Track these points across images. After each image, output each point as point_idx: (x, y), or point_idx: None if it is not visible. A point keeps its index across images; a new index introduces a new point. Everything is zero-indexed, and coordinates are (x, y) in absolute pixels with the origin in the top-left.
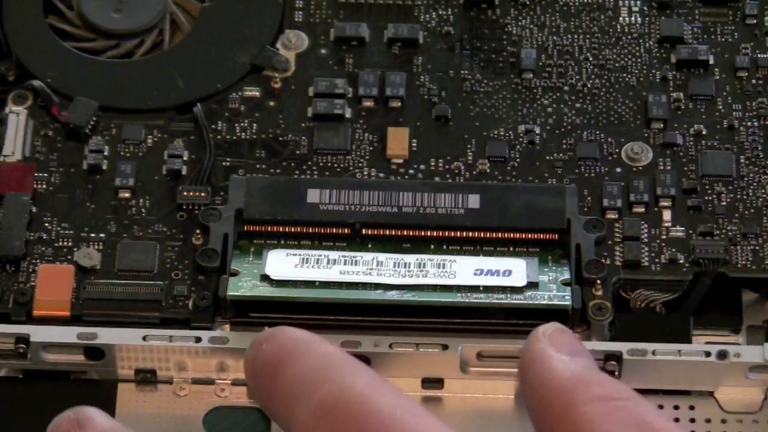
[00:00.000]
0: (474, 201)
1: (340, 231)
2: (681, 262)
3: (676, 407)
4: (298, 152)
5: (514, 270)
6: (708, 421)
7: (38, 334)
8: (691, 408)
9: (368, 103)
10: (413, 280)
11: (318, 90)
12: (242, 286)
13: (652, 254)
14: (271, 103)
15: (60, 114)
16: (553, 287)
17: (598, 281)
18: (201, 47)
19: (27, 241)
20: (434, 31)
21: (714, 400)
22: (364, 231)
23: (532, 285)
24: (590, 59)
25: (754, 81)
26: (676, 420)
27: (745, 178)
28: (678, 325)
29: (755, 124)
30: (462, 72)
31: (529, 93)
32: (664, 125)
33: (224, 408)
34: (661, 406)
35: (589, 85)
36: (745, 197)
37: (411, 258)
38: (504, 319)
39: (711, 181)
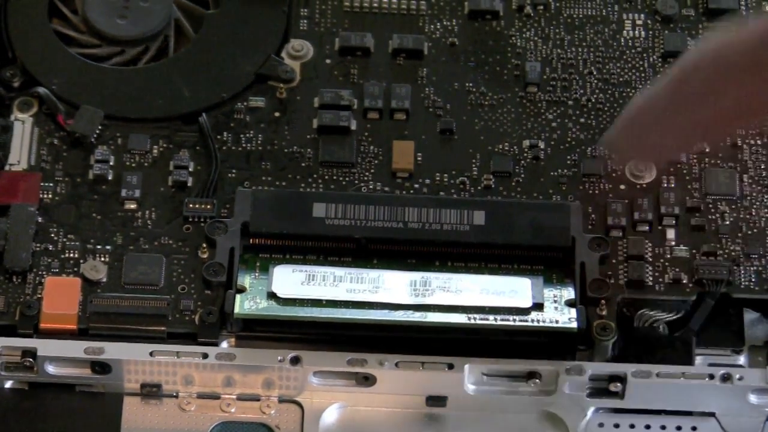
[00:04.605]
0: (479, 217)
1: (345, 246)
2: (685, 282)
3: (679, 428)
4: (303, 164)
5: (520, 290)
6: None
7: (45, 348)
8: (693, 429)
9: (373, 116)
10: (419, 300)
11: (323, 101)
12: (249, 304)
13: (656, 274)
14: (277, 114)
15: (66, 122)
16: (558, 308)
17: (603, 301)
18: (206, 55)
19: (33, 253)
20: (439, 41)
21: (716, 421)
22: (369, 246)
23: (538, 306)
24: (594, 73)
25: None
26: None
27: (748, 197)
28: (680, 345)
29: (758, 142)
30: (467, 84)
31: (533, 107)
32: None
33: (230, 423)
34: (663, 427)
35: (593, 100)
36: (748, 217)
37: (417, 276)
38: (509, 341)
39: (714, 200)
